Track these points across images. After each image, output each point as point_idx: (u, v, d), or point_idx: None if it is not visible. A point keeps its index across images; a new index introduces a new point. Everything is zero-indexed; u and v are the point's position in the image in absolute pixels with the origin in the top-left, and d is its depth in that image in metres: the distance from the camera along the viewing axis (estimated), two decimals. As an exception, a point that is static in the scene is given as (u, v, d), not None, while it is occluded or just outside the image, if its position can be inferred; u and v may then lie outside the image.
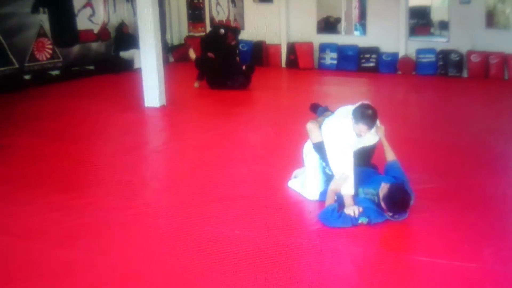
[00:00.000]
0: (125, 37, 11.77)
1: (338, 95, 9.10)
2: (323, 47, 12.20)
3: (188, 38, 13.47)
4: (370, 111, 3.96)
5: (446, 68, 11.06)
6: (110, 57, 11.74)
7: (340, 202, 3.93)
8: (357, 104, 4.10)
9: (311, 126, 4.29)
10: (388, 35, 11.59)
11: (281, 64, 12.61)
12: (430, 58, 11.19)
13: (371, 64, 11.80)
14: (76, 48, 10.66)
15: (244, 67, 9.64)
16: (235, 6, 13.09)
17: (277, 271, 3.23)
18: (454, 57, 10.94)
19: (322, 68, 12.21)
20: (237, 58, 10.33)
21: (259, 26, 12.74)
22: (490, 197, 4.43)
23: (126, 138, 6.40)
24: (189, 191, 4.67)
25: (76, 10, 9.92)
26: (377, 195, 3.90)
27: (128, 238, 3.76)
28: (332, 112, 4.52)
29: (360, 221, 3.77)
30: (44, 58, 10.27)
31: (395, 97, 9.60)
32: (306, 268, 3.34)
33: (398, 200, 3.77)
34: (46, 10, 9.43)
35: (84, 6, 11.07)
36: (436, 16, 12.60)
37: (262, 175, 5.01)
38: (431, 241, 3.64)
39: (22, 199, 4.43)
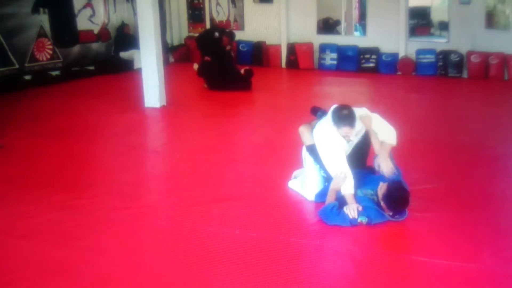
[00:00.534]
0: (125, 37, 11.77)
1: (338, 96, 9.09)
2: (323, 48, 12.20)
3: (188, 38, 13.48)
4: (345, 111, 3.97)
5: (446, 69, 11.07)
6: (110, 57, 11.74)
7: (340, 201, 3.94)
8: (331, 109, 4.09)
9: (302, 130, 4.37)
10: (388, 36, 11.59)
11: (281, 64, 12.61)
12: (430, 58, 11.19)
13: (371, 65, 11.80)
14: (76, 49, 10.63)
15: (242, 72, 9.60)
16: (235, 6, 13.09)
17: (277, 271, 3.23)
18: (454, 57, 10.94)
19: (322, 69, 12.21)
20: (234, 64, 10.08)
21: (259, 27, 12.74)
22: (490, 197, 4.43)
23: (127, 138, 6.41)
24: (189, 191, 4.67)
25: (76, 11, 9.89)
26: (376, 194, 3.91)
27: (128, 238, 3.76)
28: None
29: (359, 220, 3.77)
30: (44, 59, 10.27)
31: (395, 97, 9.59)
32: (306, 268, 3.34)
33: (397, 199, 3.78)
34: (46, 10, 9.41)
35: (84, 7, 11.06)
36: (436, 16, 12.62)
37: (262, 175, 5.01)
38: (431, 241, 3.65)
39: (22, 200, 4.43)
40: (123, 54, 11.68)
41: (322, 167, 4.20)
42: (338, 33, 12.60)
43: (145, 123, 7.52)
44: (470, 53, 10.76)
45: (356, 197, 3.95)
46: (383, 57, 11.68)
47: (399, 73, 11.48)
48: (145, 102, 8.06)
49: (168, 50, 12.74)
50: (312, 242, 3.64)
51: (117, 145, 6.12)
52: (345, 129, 3.96)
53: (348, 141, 4.09)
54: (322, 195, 4.15)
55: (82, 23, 10.61)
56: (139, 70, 8.74)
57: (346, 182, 3.92)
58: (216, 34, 9.85)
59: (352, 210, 3.78)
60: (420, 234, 3.81)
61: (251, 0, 12.82)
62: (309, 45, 12.30)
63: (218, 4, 13.27)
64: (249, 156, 5.69)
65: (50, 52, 10.36)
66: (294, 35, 12.49)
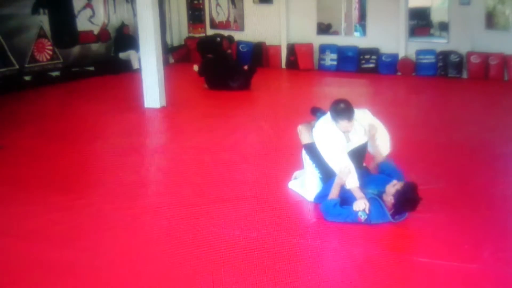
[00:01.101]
0: (124, 38, 11.78)
1: (338, 96, 9.03)
2: (323, 48, 12.20)
3: (188, 39, 13.48)
4: (341, 105, 4.01)
5: (446, 69, 11.06)
6: (110, 58, 11.74)
7: (342, 198, 3.93)
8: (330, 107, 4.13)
9: (301, 128, 4.41)
10: (388, 36, 11.58)
11: (281, 65, 12.61)
12: (430, 59, 11.18)
13: (371, 65, 11.80)
14: (76, 49, 10.64)
15: (246, 67, 9.66)
16: (235, 7, 13.09)
17: (277, 272, 3.23)
18: (454, 58, 10.94)
19: (322, 69, 12.21)
20: (235, 60, 10.67)
21: (259, 27, 12.74)
22: (491, 198, 4.43)
23: (126, 139, 6.40)
24: (189, 191, 4.66)
25: (76, 11, 9.88)
26: (378, 194, 3.90)
27: (128, 238, 3.77)
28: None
29: (359, 215, 3.77)
30: (44, 59, 10.27)
31: (395, 98, 9.59)
32: (306, 269, 3.34)
33: (410, 199, 3.76)
34: (46, 11, 9.41)
35: (84, 7, 11.07)
36: (436, 17, 12.61)
37: (263, 176, 5.01)
38: (431, 241, 3.65)
39: (22, 200, 4.43)
40: (122, 55, 11.69)
41: (318, 166, 4.20)
42: (338, 33, 12.59)
43: (145, 123, 7.52)
44: (470, 53, 10.76)
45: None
46: (383, 58, 11.67)
47: (399, 73, 11.48)
48: (145, 102, 8.05)
49: (168, 50, 12.74)
50: (312, 243, 3.64)
51: (117, 146, 6.12)
52: (343, 123, 3.97)
53: (348, 141, 4.08)
54: (322, 196, 4.14)
55: (82, 23, 10.61)
56: (138, 71, 8.74)
57: (350, 176, 3.92)
58: (218, 39, 10.45)
59: (360, 206, 3.78)
60: (421, 235, 3.81)
61: (251, 1, 12.82)
62: (309, 46, 12.30)
63: (218, 4, 13.27)
64: (249, 157, 5.69)
65: (50, 52, 10.36)
66: (294, 35, 12.49)
